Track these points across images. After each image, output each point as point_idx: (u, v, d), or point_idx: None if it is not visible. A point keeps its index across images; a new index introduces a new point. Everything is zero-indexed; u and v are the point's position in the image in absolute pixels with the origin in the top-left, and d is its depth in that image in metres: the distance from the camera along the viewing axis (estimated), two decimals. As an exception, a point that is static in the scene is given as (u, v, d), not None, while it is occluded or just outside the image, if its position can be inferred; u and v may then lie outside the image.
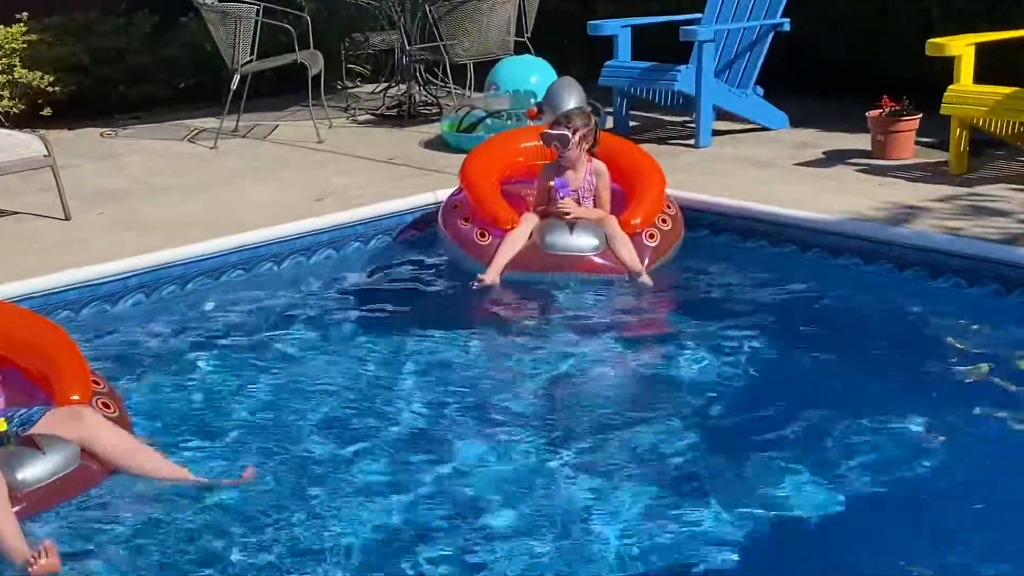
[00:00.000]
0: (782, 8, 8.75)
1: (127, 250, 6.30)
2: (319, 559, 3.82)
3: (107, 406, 4.49)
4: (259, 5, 9.28)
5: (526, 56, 9.39)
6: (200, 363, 5.43)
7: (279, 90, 10.85)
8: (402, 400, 5.00)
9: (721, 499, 4.08)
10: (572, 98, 6.99)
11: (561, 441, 4.57)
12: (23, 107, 10.08)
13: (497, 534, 3.94)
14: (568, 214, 6.36)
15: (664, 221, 6.52)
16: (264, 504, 4.12)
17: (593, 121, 6.54)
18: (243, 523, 4.02)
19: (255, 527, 3.99)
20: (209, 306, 6.17)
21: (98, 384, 4.62)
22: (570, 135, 6.38)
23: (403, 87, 10.40)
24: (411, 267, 6.78)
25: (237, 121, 9.69)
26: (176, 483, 4.21)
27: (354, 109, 10.49)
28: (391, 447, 4.57)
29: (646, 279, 6.21)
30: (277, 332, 5.81)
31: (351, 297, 6.42)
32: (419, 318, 5.93)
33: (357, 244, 6.99)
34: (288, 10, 9.93)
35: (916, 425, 4.59)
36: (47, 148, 7.00)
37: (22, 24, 10.21)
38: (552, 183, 6.45)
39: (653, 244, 6.39)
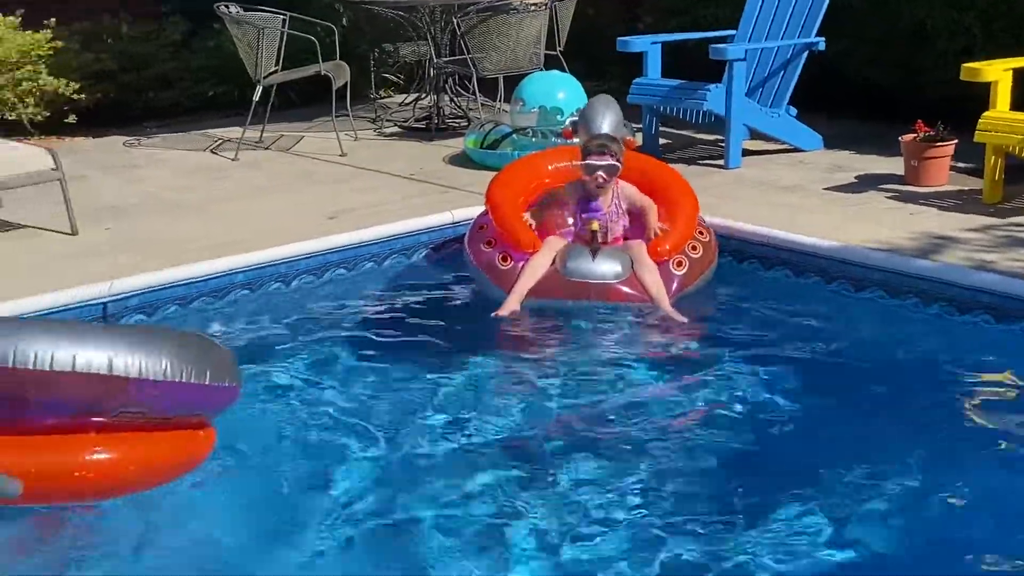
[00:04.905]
0: (817, 27, 8.52)
1: (126, 270, 6.16)
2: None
3: None
4: (285, 15, 9.15)
5: (553, 72, 9.19)
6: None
7: (311, 100, 10.70)
8: (409, 432, 4.85)
9: (732, 542, 3.96)
10: (608, 118, 6.75)
11: (573, 473, 4.48)
12: (48, 114, 9.98)
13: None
14: (599, 239, 6.17)
15: (694, 248, 6.29)
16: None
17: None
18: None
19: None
20: (212, 328, 6.01)
21: None
22: (619, 165, 6.20)
23: (432, 99, 10.25)
24: (425, 290, 6.59)
25: (261, 132, 9.56)
26: None
27: (382, 120, 10.34)
28: (393, 477, 4.49)
29: (669, 310, 5.99)
30: (282, 356, 5.65)
31: (360, 321, 6.23)
32: (431, 345, 5.76)
33: (370, 265, 6.81)
34: (316, 20, 9.78)
35: (940, 473, 4.41)
36: (55, 161, 6.88)
37: (49, 30, 10.11)
38: (596, 218, 6.23)
39: (681, 272, 6.17)
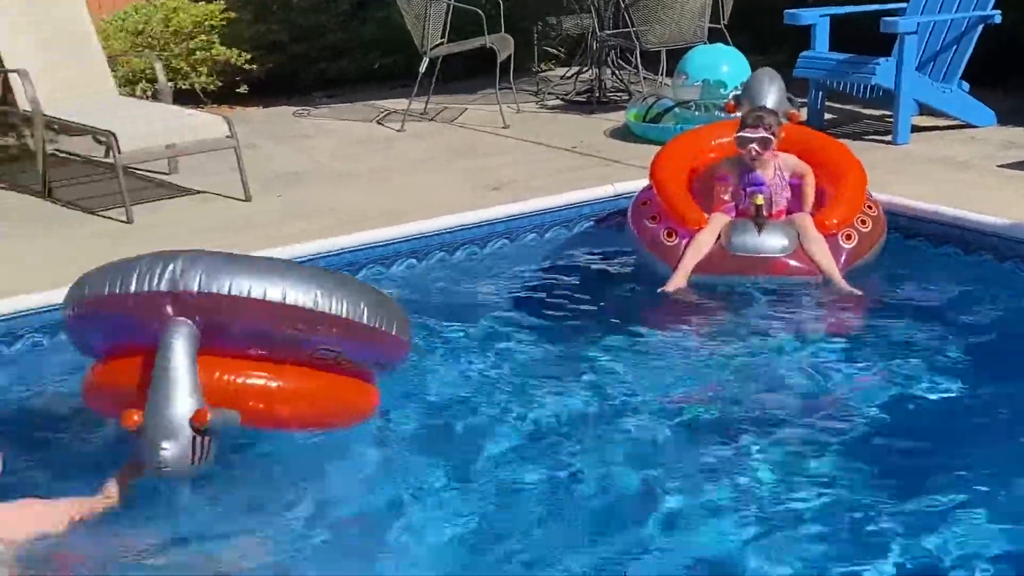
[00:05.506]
0: (993, -1, 8.32)
1: (298, 236, 6.29)
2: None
3: None
4: (451, -12, 9.25)
5: (718, 45, 9.12)
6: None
7: (475, 72, 10.77)
8: (572, 400, 4.86)
9: (889, 533, 3.87)
10: (771, 91, 6.67)
11: (742, 451, 4.43)
12: (220, 84, 10.22)
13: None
14: (764, 213, 6.09)
15: (863, 222, 6.16)
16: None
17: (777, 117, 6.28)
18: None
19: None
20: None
21: None
22: (772, 138, 6.13)
23: (594, 72, 10.25)
24: (588, 263, 6.61)
25: (426, 104, 9.68)
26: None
27: (544, 93, 10.37)
28: (557, 446, 4.50)
29: (842, 283, 5.90)
30: (448, 323, 5.69)
31: (522, 291, 6.26)
32: (594, 319, 5.74)
33: (532, 236, 6.84)
34: (482, -7, 9.86)
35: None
36: (230, 129, 7.06)
37: (221, 1, 10.35)
38: (760, 191, 6.15)
39: (849, 246, 6.05)
